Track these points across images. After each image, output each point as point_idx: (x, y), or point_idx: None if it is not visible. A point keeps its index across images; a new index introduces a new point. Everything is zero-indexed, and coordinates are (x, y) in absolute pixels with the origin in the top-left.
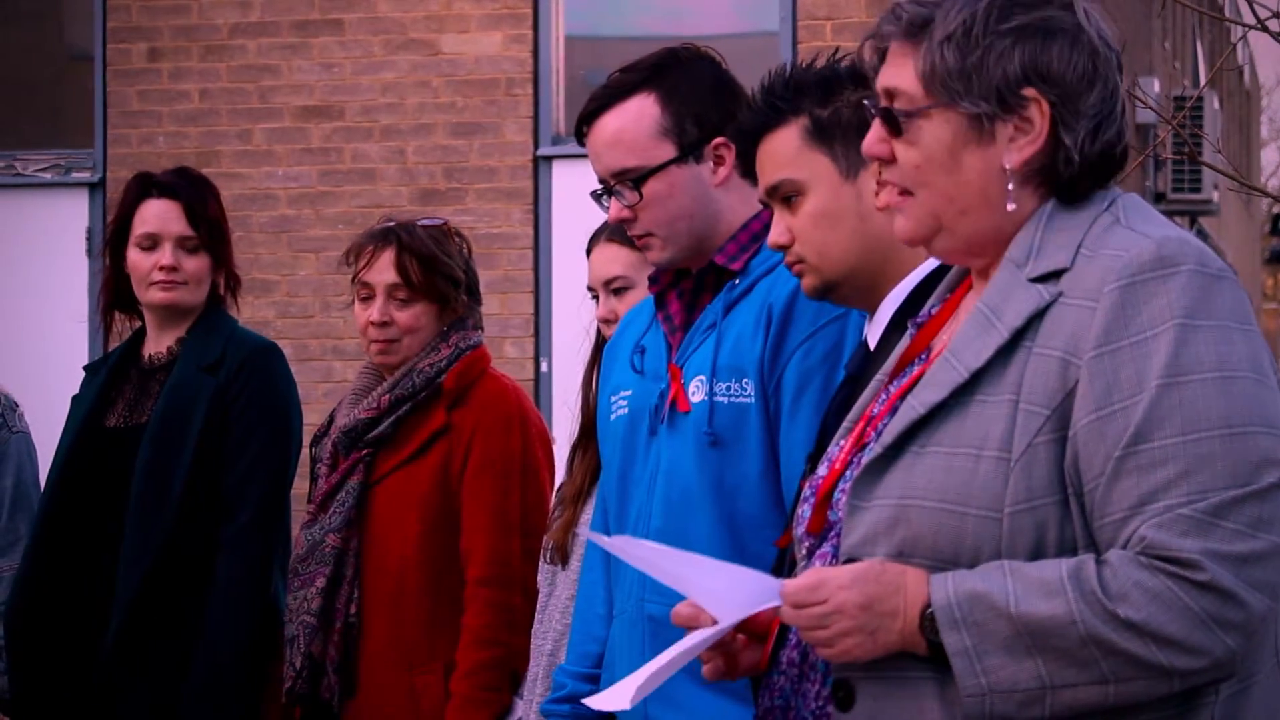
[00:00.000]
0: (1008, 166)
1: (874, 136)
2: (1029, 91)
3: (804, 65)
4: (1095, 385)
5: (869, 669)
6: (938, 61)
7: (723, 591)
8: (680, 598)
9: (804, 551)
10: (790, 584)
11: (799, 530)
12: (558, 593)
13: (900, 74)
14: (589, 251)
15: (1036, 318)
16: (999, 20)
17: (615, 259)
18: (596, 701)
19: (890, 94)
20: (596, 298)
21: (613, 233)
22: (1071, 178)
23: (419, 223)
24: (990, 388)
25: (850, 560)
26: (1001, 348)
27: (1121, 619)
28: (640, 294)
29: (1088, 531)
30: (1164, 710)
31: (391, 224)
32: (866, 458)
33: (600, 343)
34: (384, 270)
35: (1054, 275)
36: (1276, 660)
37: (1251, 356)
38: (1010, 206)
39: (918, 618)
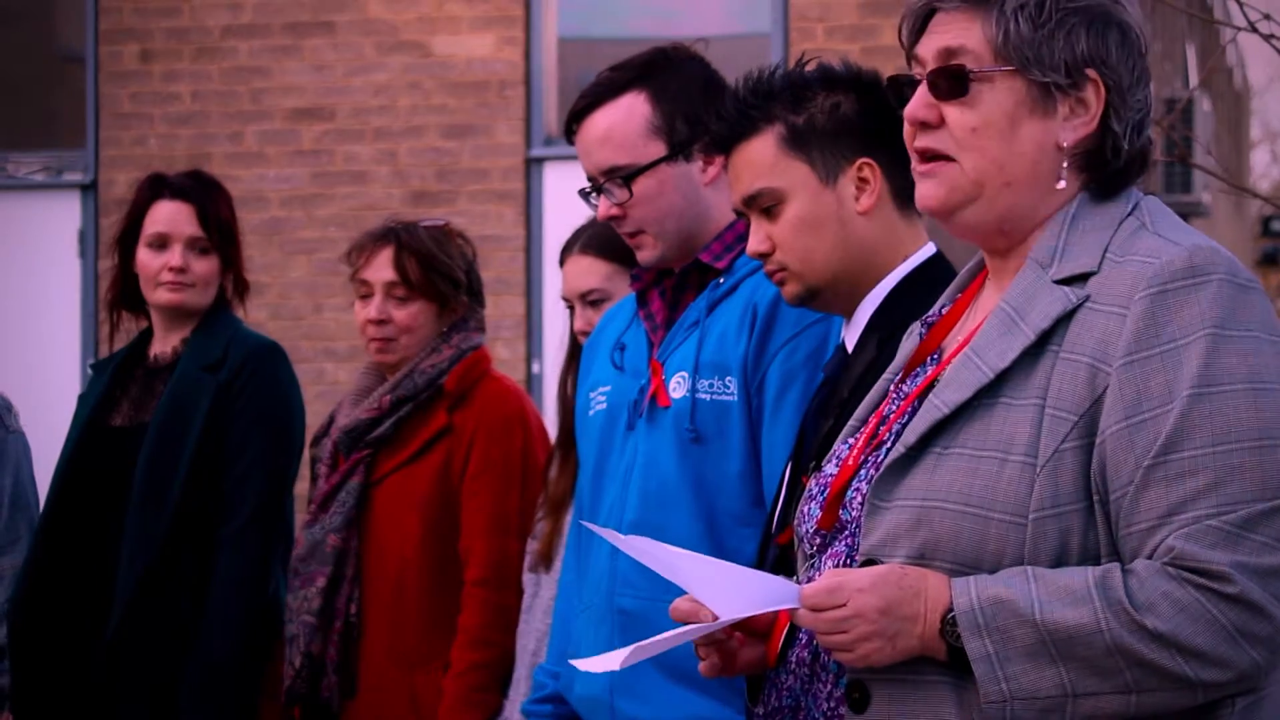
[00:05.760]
0: (1064, 144)
1: (921, 100)
2: (1091, 72)
3: (770, 71)
4: (1125, 393)
5: (884, 671)
6: (1011, 28)
7: (727, 590)
8: (651, 595)
9: (810, 549)
10: (808, 588)
11: (804, 527)
12: (542, 594)
13: (965, 35)
14: (562, 262)
15: (1063, 321)
16: None
17: (590, 271)
18: (581, 663)
19: (950, 54)
20: (571, 308)
21: (585, 244)
22: (1116, 170)
23: (421, 223)
24: (1015, 390)
25: (869, 561)
26: (1028, 350)
27: (1149, 629)
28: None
29: (1112, 539)
30: None
31: (392, 224)
32: (889, 457)
33: (574, 351)
34: (382, 268)
35: (1080, 278)
36: None
37: (1279, 367)
38: (1060, 184)
39: (939, 622)
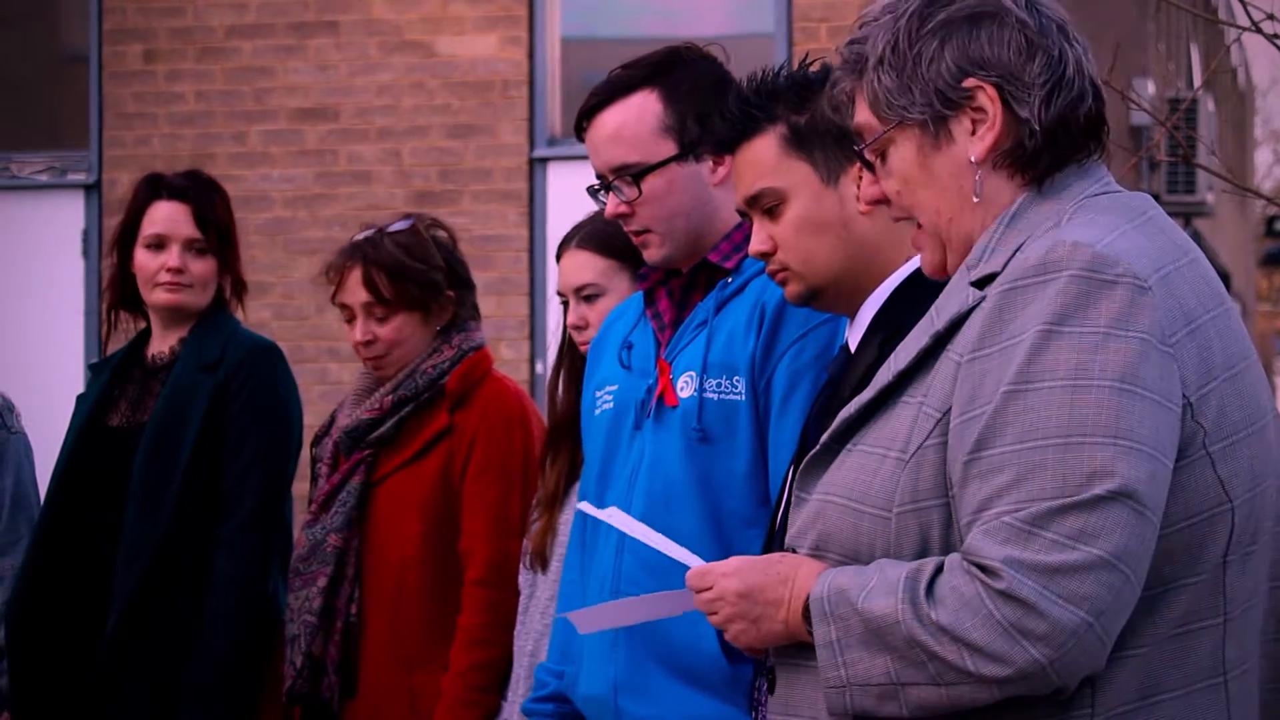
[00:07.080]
0: (973, 159)
1: (866, 183)
2: (970, 82)
3: (774, 72)
4: (963, 390)
5: (783, 656)
6: (877, 87)
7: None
8: (656, 589)
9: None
10: (690, 570)
11: None
12: (538, 593)
13: (860, 113)
14: (558, 257)
15: (962, 321)
16: (920, 26)
17: (586, 266)
18: (575, 615)
19: (860, 134)
20: (566, 303)
21: (582, 239)
22: (1037, 150)
23: (387, 229)
24: (914, 390)
25: (790, 551)
26: (925, 350)
27: (933, 621)
28: (611, 300)
29: None
30: None
31: (359, 239)
32: (810, 453)
33: (567, 348)
34: (355, 290)
35: (991, 279)
36: (1224, 680)
37: (1123, 365)
38: (974, 199)
39: (801, 609)
